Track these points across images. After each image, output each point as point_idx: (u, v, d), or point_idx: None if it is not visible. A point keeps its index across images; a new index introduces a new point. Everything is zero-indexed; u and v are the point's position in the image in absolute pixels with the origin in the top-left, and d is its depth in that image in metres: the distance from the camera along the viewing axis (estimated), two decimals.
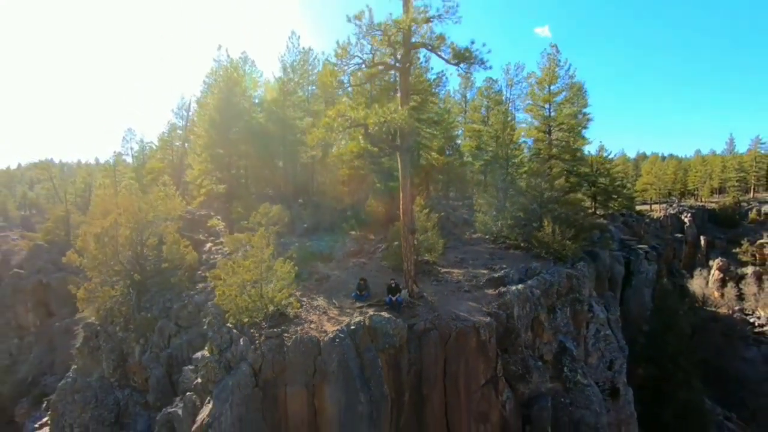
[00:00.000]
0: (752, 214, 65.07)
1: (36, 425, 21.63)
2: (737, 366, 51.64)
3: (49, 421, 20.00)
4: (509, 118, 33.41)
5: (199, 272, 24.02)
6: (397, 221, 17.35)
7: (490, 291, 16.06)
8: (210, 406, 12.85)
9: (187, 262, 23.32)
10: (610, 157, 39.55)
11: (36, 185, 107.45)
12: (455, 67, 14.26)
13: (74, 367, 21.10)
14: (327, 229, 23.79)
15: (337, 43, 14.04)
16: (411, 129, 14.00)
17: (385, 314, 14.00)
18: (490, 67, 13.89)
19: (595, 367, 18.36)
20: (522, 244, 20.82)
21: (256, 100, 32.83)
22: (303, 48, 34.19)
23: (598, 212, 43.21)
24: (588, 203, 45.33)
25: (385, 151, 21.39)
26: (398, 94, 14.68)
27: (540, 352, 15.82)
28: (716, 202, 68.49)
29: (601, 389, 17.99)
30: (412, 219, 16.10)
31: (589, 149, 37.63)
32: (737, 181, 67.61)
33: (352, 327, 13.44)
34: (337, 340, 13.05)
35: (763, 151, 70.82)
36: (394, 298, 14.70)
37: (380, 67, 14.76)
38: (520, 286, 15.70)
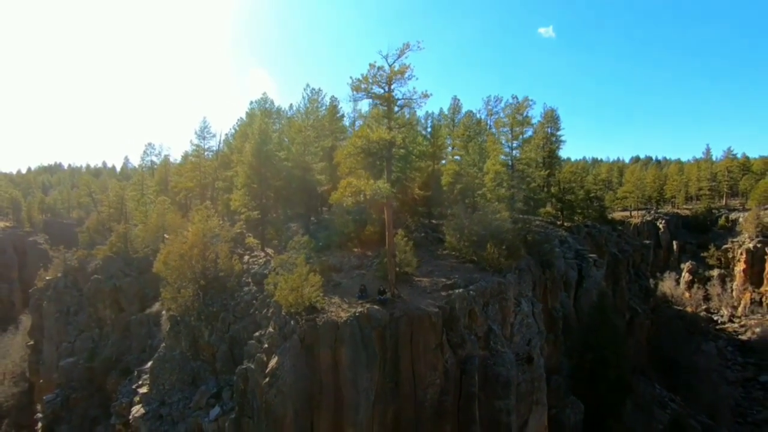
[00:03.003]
0: (721, 221, 75.64)
1: (134, 386, 32.86)
2: (694, 357, 63.17)
3: (148, 381, 31.25)
4: (484, 149, 44.21)
5: (243, 278, 35.18)
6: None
7: (443, 293, 27.05)
8: (275, 359, 24.01)
9: (236, 271, 34.51)
10: (599, 159, 50.37)
11: (49, 189, 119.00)
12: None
13: (163, 344, 32.49)
14: (336, 247, 34.81)
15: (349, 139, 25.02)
16: (392, 196, 24.85)
17: (376, 307, 25.02)
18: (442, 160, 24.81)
19: (518, 343, 29.45)
20: (475, 259, 31.72)
21: (276, 128, 44.63)
22: (314, 89, 45.51)
23: (565, 224, 54.17)
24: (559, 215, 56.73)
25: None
26: (384, 174, 25.56)
27: (474, 331, 26.86)
28: (690, 209, 79.20)
29: (521, 358, 29.09)
30: (394, 246, 27.13)
31: (568, 156, 48.37)
32: (709, 189, 78.08)
33: (357, 314, 24.47)
34: (348, 322, 24.10)
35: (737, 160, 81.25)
36: (382, 298, 25.71)
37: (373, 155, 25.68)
38: (461, 290, 26.72)
